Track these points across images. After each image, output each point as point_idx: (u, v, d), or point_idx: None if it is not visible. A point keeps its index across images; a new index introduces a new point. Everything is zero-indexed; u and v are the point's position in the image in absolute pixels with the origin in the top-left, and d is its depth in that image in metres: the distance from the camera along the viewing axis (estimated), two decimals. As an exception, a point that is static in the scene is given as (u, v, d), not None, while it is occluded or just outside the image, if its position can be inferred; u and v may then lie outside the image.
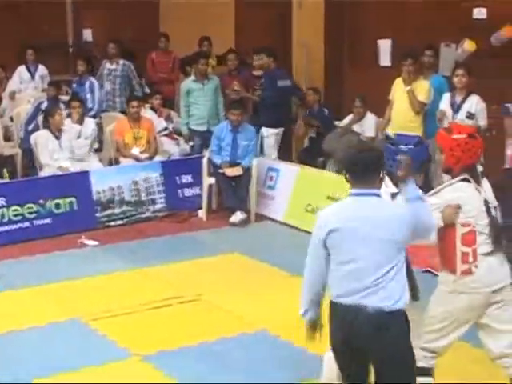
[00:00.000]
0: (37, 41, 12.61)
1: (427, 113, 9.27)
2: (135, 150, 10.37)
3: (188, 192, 10.29)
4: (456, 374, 5.32)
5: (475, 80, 8.89)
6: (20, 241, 8.99)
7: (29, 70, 12.32)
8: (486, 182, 5.03)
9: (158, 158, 10.41)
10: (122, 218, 9.75)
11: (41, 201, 9.24)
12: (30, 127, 10.89)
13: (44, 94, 11.73)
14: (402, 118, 9.29)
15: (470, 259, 4.85)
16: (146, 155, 10.36)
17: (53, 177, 9.64)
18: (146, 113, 10.96)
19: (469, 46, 9.80)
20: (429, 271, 7.08)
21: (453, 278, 4.89)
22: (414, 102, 9.26)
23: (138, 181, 9.93)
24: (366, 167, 4.26)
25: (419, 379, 4.55)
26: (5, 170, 10.30)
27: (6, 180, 10.03)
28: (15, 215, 9.09)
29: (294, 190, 9.88)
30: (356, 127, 10.34)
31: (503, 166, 8.18)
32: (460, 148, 4.88)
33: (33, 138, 10.15)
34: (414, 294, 4.81)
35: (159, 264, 8.28)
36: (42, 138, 9.98)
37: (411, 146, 4.95)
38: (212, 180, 10.07)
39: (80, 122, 10.45)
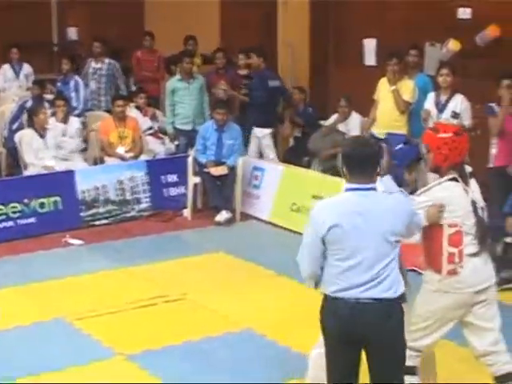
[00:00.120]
0: (21, 39, 12.52)
1: (412, 112, 9.28)
2: (120, 149, 10.33)
3: (173, 191, 10.26)
4: (442, 373, 5.33)
5: (460, 79, 8.92)
6: (4, 240, 8.93)
7: (13, 69, 12.25)
8: (474, 183, 5.05)
9: (143, 157, 10.37)
10: (106, 218, 9.71)
11: (25, 200, 9.19)
12: (15, 126, 10.82)
13: (28, 93, 11.67)
14: (387, 118, 9.30)
15: (456, 260, 4.87)
16: (131, 154, 10.33)
17: (37, 176, 9.59)
18: (131, 112, 10.91)
19: (453, 45, 9.85)
20: (414, 270, 7.09)
21: (438, 277, 4.91)
22: (399, 102, 9.27)
23: (123, 180, 9.89)
24: (364, 161, 4.29)
25: (405, 378, 4.56)
26: (-11, 169, 10.29)
27: (-10, 179, 10.00)
28: (-1, 214, 9.06)
29: (279, 189, 9.88)
30: (341, 127, 10.34)
31: (487, 165, 8.21)
32: (447, 146, 4.91)
33: (17, 136, 10.09)
34: (403, 295, 4.82)
35: (144, 263, 8.25)
36: (26, 137, 9.93)
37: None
38: (197, 179, 10.05)
39: (64, 120, 10.40)
